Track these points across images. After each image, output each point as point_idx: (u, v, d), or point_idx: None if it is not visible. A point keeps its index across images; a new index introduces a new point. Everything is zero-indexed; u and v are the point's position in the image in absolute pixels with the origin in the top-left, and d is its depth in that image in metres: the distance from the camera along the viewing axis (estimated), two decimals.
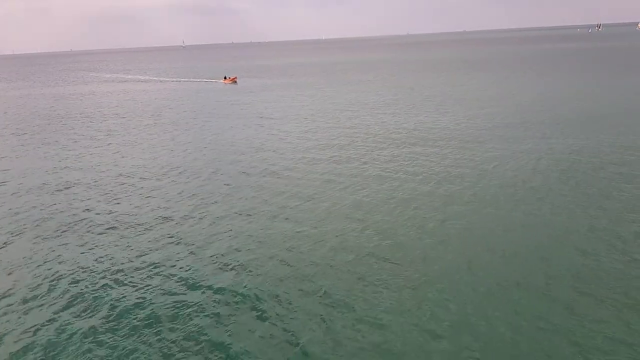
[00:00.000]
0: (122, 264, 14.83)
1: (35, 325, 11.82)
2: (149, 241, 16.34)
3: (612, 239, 14.70)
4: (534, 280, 12.62)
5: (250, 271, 13.86)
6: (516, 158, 23.84)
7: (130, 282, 13.74)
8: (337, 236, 15.84)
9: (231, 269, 14.06)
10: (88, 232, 17.50)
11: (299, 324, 11.26)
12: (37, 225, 18.40)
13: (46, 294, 13.34)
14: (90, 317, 12.04)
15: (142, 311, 12.14)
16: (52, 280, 14.06)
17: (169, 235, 16.71)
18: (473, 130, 31.04)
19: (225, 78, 76.14)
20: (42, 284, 13.91)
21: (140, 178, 24.03)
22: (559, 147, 25.55)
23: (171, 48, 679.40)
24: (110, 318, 11.91)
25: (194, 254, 15.20)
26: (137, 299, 12.76)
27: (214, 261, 14.62)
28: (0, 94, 76.33)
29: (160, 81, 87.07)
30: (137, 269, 14.46)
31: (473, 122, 33.46)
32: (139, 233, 17.12)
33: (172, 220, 18.13)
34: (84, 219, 18.74)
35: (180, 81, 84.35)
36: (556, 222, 16.16)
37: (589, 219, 16.20)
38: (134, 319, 11.85)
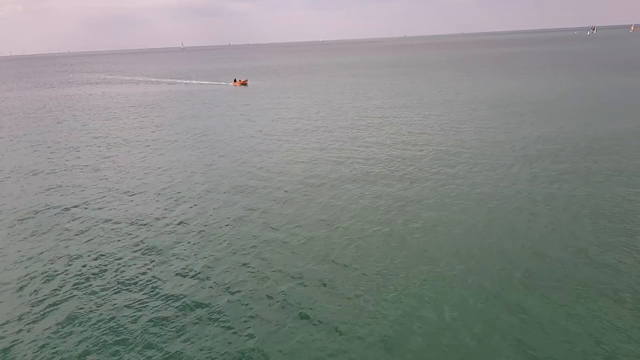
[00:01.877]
0: (105, 264, 15.46)
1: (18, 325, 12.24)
2: (121, 243, 17.00)
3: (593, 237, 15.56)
4: (513, 282, 13.01)
5: (224, 278, 14.15)
6: (492, 159, 25.23)
7: (110, 282, 14.25)
8: (314, 241, 16.30)
9: (207, 274, 14.40)
10: (77, 231, 18.28)
11: (265, 332, 11.43)
12: (36, 225, 19.11)
13: (28, 295, 13.71)
14: (75, 319, 12.37)
15: (112, 315, 12.52)
16: (36, 279, 14.58)
17: (136, 237, 17.40)
18: (453, 132, 32.88)
19: (235, 81, 77.65)
20: (25, 283, 14.39)
21: (140, 179, 24.82)
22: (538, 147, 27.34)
23: (170, 50, 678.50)
24: (88, 321, 12.28)
25: (161, 258, 15.62)
26: (112, 300, 13.19)
27: (189, 266, 14.97)
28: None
29: (169, 83, 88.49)
30: (112, 269, 15.07)
31: (456, 123, 35.32)
32: (122, 234, 17.80)
33: (147, 222, 18.78)
34: (75, 219, 19.56)
35: (188, 83, 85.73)
36: (528, 221, 16.98)
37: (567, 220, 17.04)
38: (107, 320, 12.27)
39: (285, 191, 21.65)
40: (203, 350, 10.97)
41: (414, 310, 12.00)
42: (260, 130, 36.73)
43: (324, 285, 13.45)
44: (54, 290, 14.00)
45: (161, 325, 11.98)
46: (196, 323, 11.97)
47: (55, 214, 20.36)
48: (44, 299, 13.50)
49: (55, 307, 13.07)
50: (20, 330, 12.09)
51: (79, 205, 21.29)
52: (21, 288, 14.19)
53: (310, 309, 12.30)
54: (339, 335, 11.22)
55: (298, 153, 28.94)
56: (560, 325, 11.18)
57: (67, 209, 20.83)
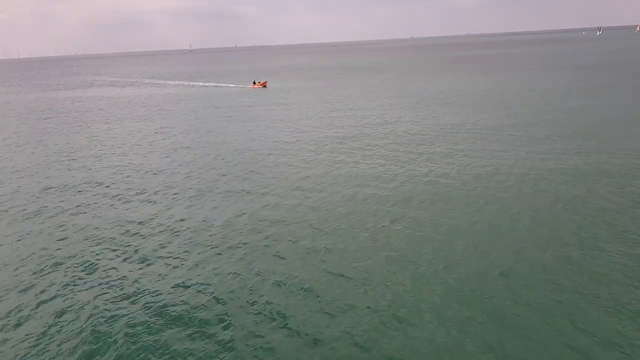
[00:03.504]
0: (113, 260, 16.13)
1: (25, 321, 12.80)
2: (116, 245, 17.46)
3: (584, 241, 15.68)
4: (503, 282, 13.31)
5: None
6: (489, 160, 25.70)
7: (126, 278, 14.87)
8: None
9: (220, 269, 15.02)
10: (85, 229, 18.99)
11: (246, 336, 11.71)
12: (43, 226, 19.57)
13: (35, 290, 14.34)
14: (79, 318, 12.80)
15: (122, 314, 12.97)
16: (29, 279, 15.10)
17: (133, 239, 17.93)
18: (448, 132, 33.62)
19: (254, 83, 78.23)
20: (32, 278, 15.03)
21: (156, 182, 25.34)
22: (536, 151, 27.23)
23: (178, 52, 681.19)
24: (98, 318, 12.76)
25: (150, 261, 15.99)
26: (119, 300, 13.61)
27: (181, 269, 15.33)
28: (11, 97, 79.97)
29: (186, 86, 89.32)
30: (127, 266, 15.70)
31: (458, 124, 35.94)
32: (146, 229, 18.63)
33: (142, 224, 19.34)
34: (83, 217, 20.37)
35: (205, 86, 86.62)
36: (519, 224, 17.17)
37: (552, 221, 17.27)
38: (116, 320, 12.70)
39: (279, 195, 21.98)
40: (182, 356, 11.19)
41: (393, 312, 12.23)
42: (271, 134, 36.91)
43: (307, 288, 13.68)
44: (46, 289, 14.43)
45: (142, 329, 12.21)
46: (182, 330, 12.17)
47: (55, 214, 21.02)
48: (35, 299, 13.86)
49: (44, 307, 13.44)
50: (4, 330, 12.47)
51: (80, 206, 21.98)
52: (11, 288, 14.60)
53: (290, 312, 12.54)
54: (318, 337, 11.45)
55: (306, 157, 29.09)
56: (537, 329, 11.33)
57: (67, 210, 21.51)
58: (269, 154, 30.41)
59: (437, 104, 48.02)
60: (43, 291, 14.41)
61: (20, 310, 13.39)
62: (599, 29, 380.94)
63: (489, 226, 17.22)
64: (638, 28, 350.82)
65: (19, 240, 18.44)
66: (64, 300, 13.81)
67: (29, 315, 13.18)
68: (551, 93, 51.60)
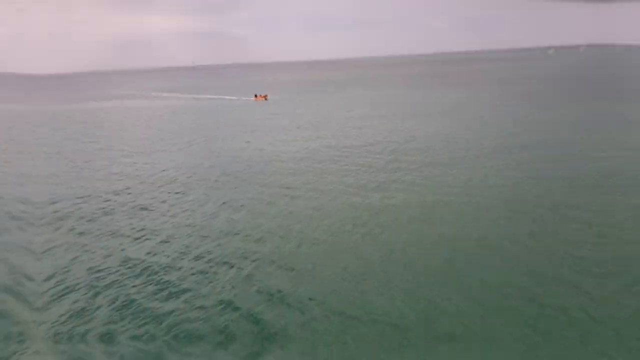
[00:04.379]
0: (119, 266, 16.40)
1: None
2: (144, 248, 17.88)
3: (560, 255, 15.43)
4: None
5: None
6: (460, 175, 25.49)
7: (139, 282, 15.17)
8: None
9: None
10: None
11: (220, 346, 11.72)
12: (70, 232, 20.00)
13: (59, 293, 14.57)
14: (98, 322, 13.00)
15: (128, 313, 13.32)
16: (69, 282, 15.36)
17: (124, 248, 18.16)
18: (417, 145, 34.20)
19: (255, 96, 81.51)
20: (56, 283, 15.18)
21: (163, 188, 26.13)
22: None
23: (182, 68, 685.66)
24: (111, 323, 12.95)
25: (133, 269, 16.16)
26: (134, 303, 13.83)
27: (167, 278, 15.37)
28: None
29: (194, 99, 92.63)
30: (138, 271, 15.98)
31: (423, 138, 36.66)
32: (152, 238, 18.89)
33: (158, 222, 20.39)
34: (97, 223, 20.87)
35: (208, 98, 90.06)
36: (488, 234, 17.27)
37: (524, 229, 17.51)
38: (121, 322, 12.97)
39: (251, 204, 22.42)
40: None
41: (351, 328, 12.15)
42: (262, 144, 37.81)
43: (277, 296, 13.77)
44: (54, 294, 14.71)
45: (117, 334, 12.48)
46: (156, 340, 12.17)
47: (64, 219, 21.67)
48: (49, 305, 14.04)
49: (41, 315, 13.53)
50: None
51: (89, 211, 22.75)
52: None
53: (264, 318, 12.64)
54: (285, 343, 11.65)
55: (292, 163, 30.06)
56: (495, 341, 11.40)
57: (57, 219, 21.83)
58: (259, 162, 31.07)
59: (411, 117, 49.25)
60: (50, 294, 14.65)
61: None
62: (549, 49, 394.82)
63: (454, 244, 16.77)
64: (582, 48, 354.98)
65: (20, 247, 18.87)
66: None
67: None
68: (515, 106, 53.73)
